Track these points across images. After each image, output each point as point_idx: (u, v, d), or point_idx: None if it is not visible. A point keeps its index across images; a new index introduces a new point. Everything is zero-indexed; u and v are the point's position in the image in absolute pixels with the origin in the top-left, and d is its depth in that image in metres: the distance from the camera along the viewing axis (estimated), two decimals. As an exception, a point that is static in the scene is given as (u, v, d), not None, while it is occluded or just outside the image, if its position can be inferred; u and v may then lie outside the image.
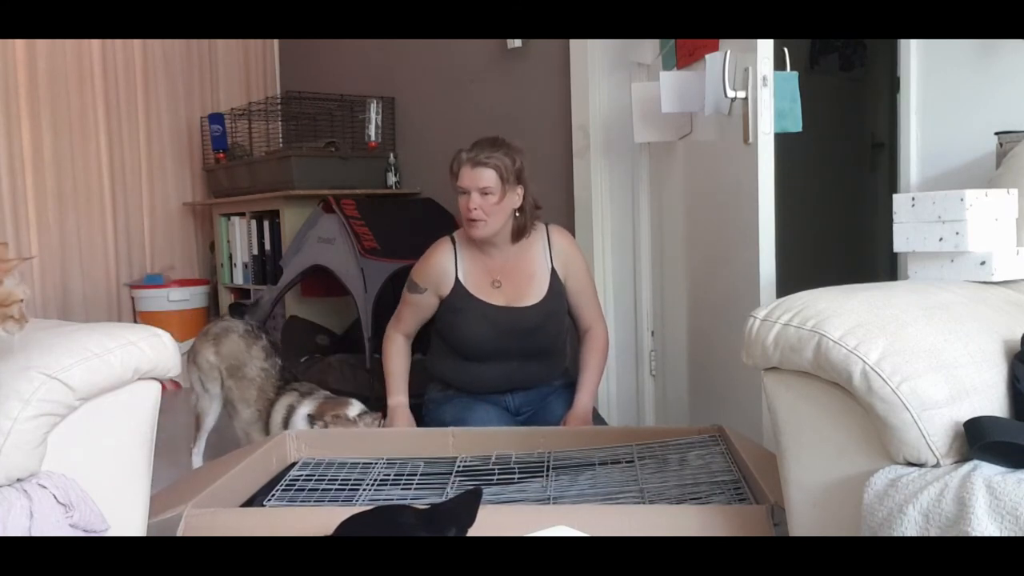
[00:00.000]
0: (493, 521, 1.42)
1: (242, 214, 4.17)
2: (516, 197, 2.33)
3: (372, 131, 3.98)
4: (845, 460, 1.31)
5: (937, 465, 1.21)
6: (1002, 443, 1.17)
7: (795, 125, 2.17)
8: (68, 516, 1.27)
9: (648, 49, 2.81)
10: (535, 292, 2.38)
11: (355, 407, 2.37)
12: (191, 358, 2.68)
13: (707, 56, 2.22)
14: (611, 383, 3.06)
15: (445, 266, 2.40)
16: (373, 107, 3.96)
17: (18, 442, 1.24)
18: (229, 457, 2.10)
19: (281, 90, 4.64)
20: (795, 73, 2.17)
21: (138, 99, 4.42)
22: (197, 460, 2.72)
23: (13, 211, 4.05)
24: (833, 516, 1.33)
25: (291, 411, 2.43)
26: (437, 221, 3.34)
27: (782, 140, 2.13)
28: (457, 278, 2.38)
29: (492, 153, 2.28)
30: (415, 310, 2.46)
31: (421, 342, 2.57)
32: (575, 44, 3.08)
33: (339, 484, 1.93)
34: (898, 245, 1.75)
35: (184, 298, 4.29)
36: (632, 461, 1.97)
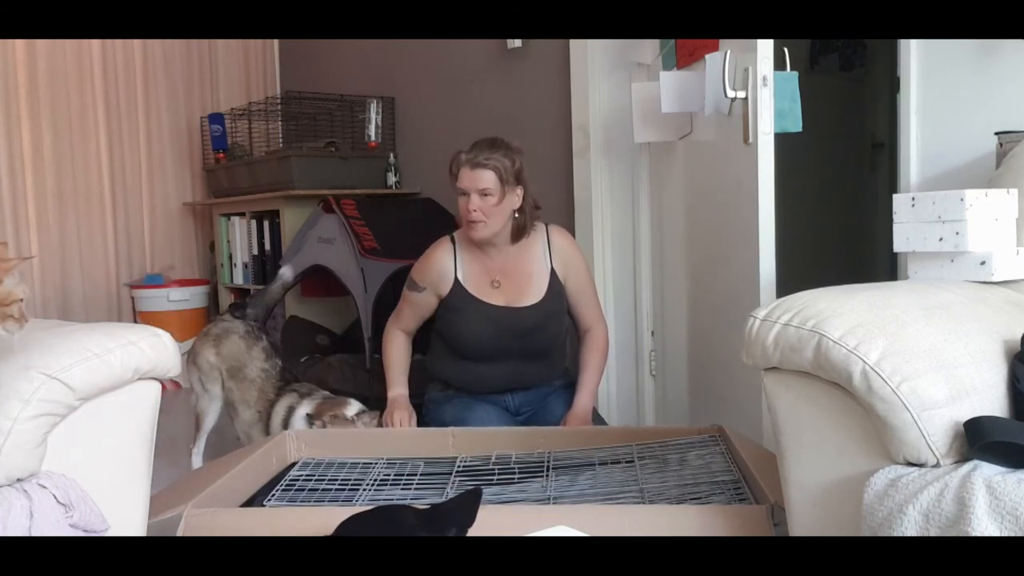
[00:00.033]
0: (493, 521, 1.42)
1: (242, 214, 4.17)
2: (516, 198, 2.32)
3: (372, 131, 3.98)
4: (845, 460, 1.31)
5: (937, 465, 1.21)
6: (1002, 443, 1.17)
7: (795, 125, 2.17)
8: (68, 516, 1.27)
9: (648, 49, 2.81)
10: (534, 292, 2.38)
11: (353, 406, 2.37)
12: (191, 359, 2.68)
13: (707, 56, 2.22)
14: (611, 383, 3.06)
15: (444, 266, 2.40)
16: (373, 107, 3.96)
17: (18, 442, 1.24)
18: (229, 457, 2.10)
19: (281, 90, 4.64)
20: (795, 73, 2.17)
21: (138, 99, 4.42)
22: (197, 460, 2.71)
23: (13, 211, 4.05)
24: (833, 516, 1.33)
25: (291, 412, 2.44)
26: (437, 221, 3.33)
27: (782, 140, 2.13)
28: (456, 278, 2.38)
29: (491, 154, 2.28)
30: (414, 308, 2.46)
31: (421, 342, 2.57)
32: (575, 44, 3.08)
33: (339, 484, 1.93)
34: (898, 245, 1.75)
35: (184, 298, 4.29)
36: (632, 461, 1.97)
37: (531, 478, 1.92)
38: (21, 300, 1.40)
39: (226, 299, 4.23)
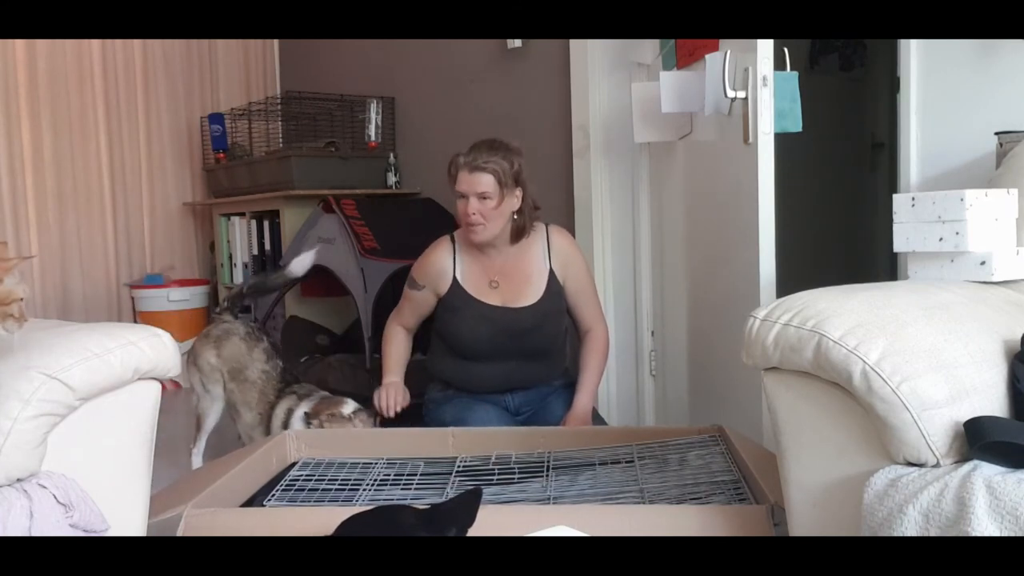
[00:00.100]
0: (493, 521, 1.42)
1: (242, 214, 4.17)
2: (515, 200, 2.32)
3: (372, 131, 3.98)
4: (845, 460, 1.31)
5: (937, 465, 1.21)
6: (1002, 443, 1.17)
7: (795, 125, 2.17)
8: (68, 516, 1.27)
9: (648, 49, 2.81)
10: (532, 293, 2.38)
11: (349, 405, 2.37)
12: (192, 360, 2.68)
13: (707, 56, 2.22)
14: (611, 383, 3.05)
15: (443, 265, 2.40)
16: (373, 107, 3.96)
17: (18, 442, 1.24)
18: (229, 457, 2.10)
19: (281, 90, 4.64)
20: (795, 73, 2.17)
21: (138, 99, 4.42)
22: (197, 460, 2.71)
23: (13, 211, 4.05)
24: (833, 516, 1.33)
25: (290, 414, 2.44)
26: (437, 221, 3.33)
27: (782, 140, 2.13)
28: (455, 277, 2.38)
29: (490, 157, 2.28)
30: (414, 306, 2.47)
31: (421, 342, 2.57)
32: (575, 44, 3.08)
33: (339, 484, 1.93)
34: (898, 245, 1.75)
35: (184, 298, 4.29)
36: (632, 461, 1.97)
37: (531, 478, 1.92)
38: (21, 299, 1.40)
39: (226, 299, 4.23)
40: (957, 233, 1.64)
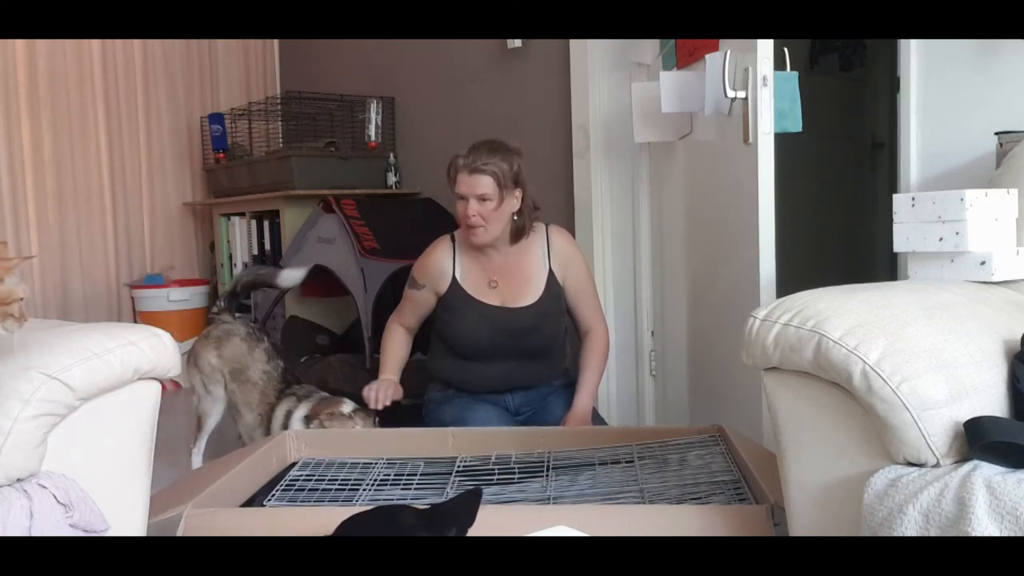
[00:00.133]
0: (493, 521, 1.42)
1: (242, 214, 4.17)
2: (515, 201, 2.32)
3: (372, 131, 3.98)
4: (845, 460, 1.31)
5: (937, 465, 1.21)
6: (1002, 443, 1.17)
7: (795, 125, 2.17)
8: (68, 516, 1.27)
9: (648, 49, 2.81)
10: (531, 293, 2.38)
11: (348, 404, 2.38)
12: (193, 361, 2.67)
13: (707, 56, 2.22)
14: (611, 383, 3.06)
15: (443, 264, 2.40)
16: (373, 107, 3.97)
17: (18, 442, 1.24)
18: (229, 457, 2.10)
19: (281, 90, 4.64)
20: (795, 73, 2.17)
21: (138, 99, 4.42)
22: (197, 460, 2.71)
23: (13, 211, 4.05)
24: (833, 516, 1.33)
25: (289, 416, 2.44)
26: (437, 221, 3.34)
27: (782, 140, 2.13)
28: (454, 277, 2.38)
29: (489, 159, 2.28)
30: (415, 306, 2.47)
31: (422, 342, 2.57)
32: (575, 44, 3.08)
33: (339, 484, 1.93)
34: (898, 245, 1.75)
35: (184, 298, 4.29)
36: (632, 461, 1.97)
37: (531, 478, 1.92)
38: (21, 299, 1.40)
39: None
40: (957, 233, 1.64)
